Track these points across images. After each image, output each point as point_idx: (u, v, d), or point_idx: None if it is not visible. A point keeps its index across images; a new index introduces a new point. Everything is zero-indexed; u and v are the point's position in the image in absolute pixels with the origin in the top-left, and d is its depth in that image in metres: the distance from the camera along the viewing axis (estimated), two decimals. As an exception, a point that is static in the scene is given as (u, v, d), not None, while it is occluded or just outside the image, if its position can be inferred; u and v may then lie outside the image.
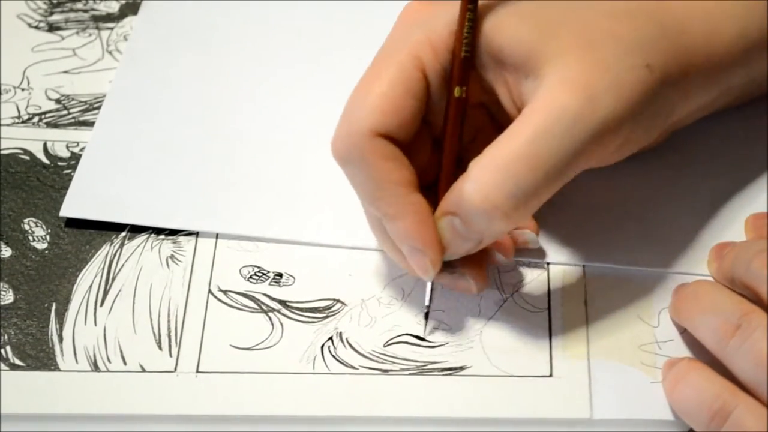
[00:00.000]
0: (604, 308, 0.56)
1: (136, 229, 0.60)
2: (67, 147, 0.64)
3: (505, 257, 0.56)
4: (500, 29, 0.53)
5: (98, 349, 0.56)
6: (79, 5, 0.71)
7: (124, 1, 0.72)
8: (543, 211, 0.53)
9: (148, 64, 0.67)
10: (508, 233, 0.56)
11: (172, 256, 0.59)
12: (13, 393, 0.54)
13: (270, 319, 0.57)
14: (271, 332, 0.56)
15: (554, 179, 0.51)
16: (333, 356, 0.55)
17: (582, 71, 0.51)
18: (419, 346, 0.55)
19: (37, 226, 0.61)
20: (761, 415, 0.49)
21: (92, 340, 0.56)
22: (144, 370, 0.55)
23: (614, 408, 0.53)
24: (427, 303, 0.55)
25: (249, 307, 0.57)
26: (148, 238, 0.60)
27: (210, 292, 0.58)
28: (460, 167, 0.53)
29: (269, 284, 0.58)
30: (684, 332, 0.55)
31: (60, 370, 0.55)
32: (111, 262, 0.59)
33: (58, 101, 0.66)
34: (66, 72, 0.68)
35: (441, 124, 0.54)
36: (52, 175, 0.63)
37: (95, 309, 0.57)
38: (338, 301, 0.57)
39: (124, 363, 0.55)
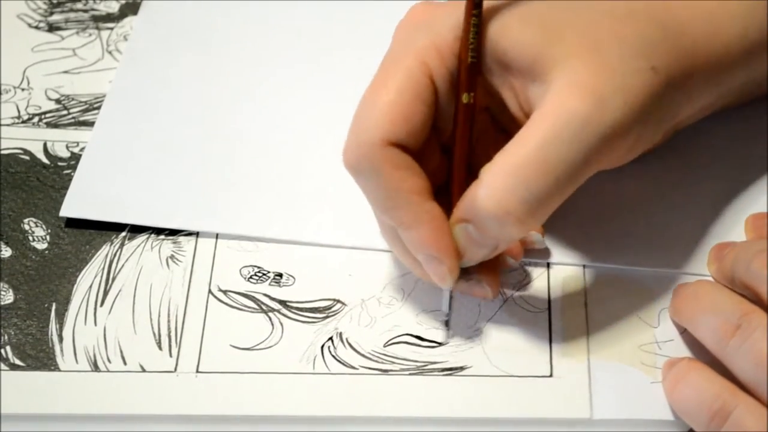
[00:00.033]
0: (604, 308, 0.56)
1: (136, 229, 0.60)
2: (67, 147, 0.64)
3: (515, 260, 0.56)
4: (505, 33, 0.53)
5: (98, 349, 0.56)
6: (79, 5, 0.71)
7: (124, 1, 0.72)
8: (543, 211, 0.53)
9: (148, 64, 0.67)
10: None
11: (172, 256, 0.59)
12: (13, 393, 0.54)
13: (270, 319, 0.57)
14: (271, 332, 0.56)
15: (566, 183, 0.51)
16: (333, 356, 0.55)
17: (589, 75, 0.51)
18: (419, 346, 0.55)
19: (37, 226, 0.61)
20: (761, 415, 0.49)
21: (92, 340, 0.56)
22: (144, 370, 0.55)
23: (614, 408, 0.53)
24: (446, 310, 0.55)
25: (249, 307, 0.57)
26: (148, 238, 0.60)
27: (210, 292, 0.58)
28: (468, 172, 0.53)
29: (269, 284, 0.58)
30: (684, 332, 0.55)
31: (60, 370, 0.55)
32: (111, 262, 0.59)
33: (58, 101, 0.66)
34: (66, 72, 0.68)
35: (449, 130, 0.54)
36: (52, 175, 0.63)
37: (95, 309, 0.57)
38: (338, 301, 0.57)
39: (124, 363, 0.55)
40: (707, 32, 0.55)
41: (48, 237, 0.60)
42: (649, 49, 0.53)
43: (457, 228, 0.52)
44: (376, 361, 0.55)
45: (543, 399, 0.53)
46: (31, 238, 0.60)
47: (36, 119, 0.65)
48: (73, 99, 0.66)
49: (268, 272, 0.58)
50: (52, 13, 0.71)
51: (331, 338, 0.56)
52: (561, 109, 0.51)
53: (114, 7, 0.71)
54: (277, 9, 0.70)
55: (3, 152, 0.64)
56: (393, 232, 0.54)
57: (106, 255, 0.59)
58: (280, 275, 0.58)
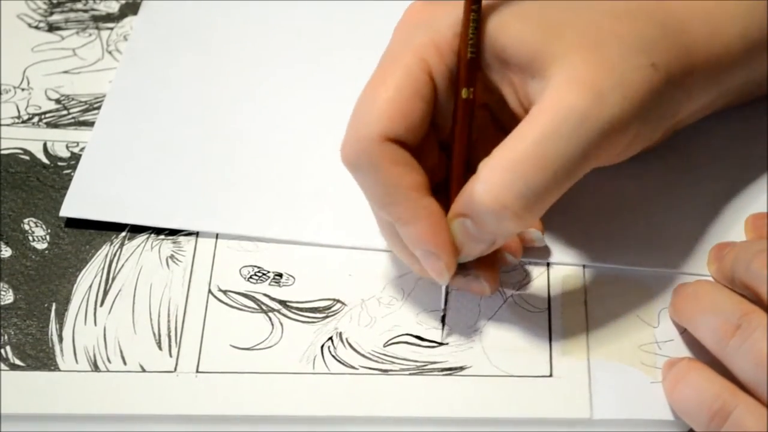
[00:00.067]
0: (604, 308, 0.56)
1: (136, 229, 0.60)
2: (67, 147, 0.64)
3: (514, 257, 0.56)
4: (504, 30, 0.53)
5: (98, 349, 0.56)
6: (79, 5, 0.71)
7: (124, 1, 0.72)
8: (543, 211, 0.53)
9: (148, 64, 0.67)
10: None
11: (172, 256, 0.59)
12: (13, 393, 0.54)
13: (270, 319, 0.57)
14: (271, 332, 0.56)
15: (563, 179, 0.51)
16: (333, 356, 0.55)
17: (588, 71, 0.51)
18: (419, 346, 0.55)
19: (37, 226, 0.61)
20: (761, 415, 0.49)
21: (92, 340, 0.56)
22: (144, 370, 0.55)
23: (614, 408, 0.53)
24: (443, 306, 0.55)
25: (249, 307, 0.57)
26: (148, 238, 0.60)
27: (210, 292, 0.58)
28: (467, 169, 0.53)
29: (269, 284, 0.58)
30: (684, 332, 0.55)
31: (60, 370, 0.55)
32: (111, 262, 0.59)
33: (58, 101, 0.66)
34: (66, 72, 0.68)
35: (447, 126, 0.54)
36: (52, 175, 0.63)
37: (95, 309, 0.57)
38: (338, 301, 0.57)
39: (124, 363, 0.55)
40: (707, 31, 0.55)
41: (48, 237, 0.60)
42: (648, 47, 0.53)
43: (455, 223, 0.52)
44: (376, 361, 0.55)
45: (543, 399, 0.53)
46: (31, 238, 0.60)
47: (36, 119, 0.65)
48: (73, 99, 0.66)
49: (268, 272, 0.58)
50: (52, 13, 0.71)
51: (331, 338, 0.56)
52: (559, 104, 0.51)
53: (114, 7, 0.71)
54: (277, 9, 0.70)
55: (3, 152, 0.64)
56: (391, 228, 0.54)
57: (106, 255, 0.59)
58: (280, 275, 0.58)
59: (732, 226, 0.58)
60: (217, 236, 0.60)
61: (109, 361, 0.55)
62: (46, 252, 0.60)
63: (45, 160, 0.63)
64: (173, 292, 0.58)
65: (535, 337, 0.55)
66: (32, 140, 0.64)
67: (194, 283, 0.58)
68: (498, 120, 0.56)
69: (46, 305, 0.57)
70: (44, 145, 0.64)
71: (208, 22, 0.69)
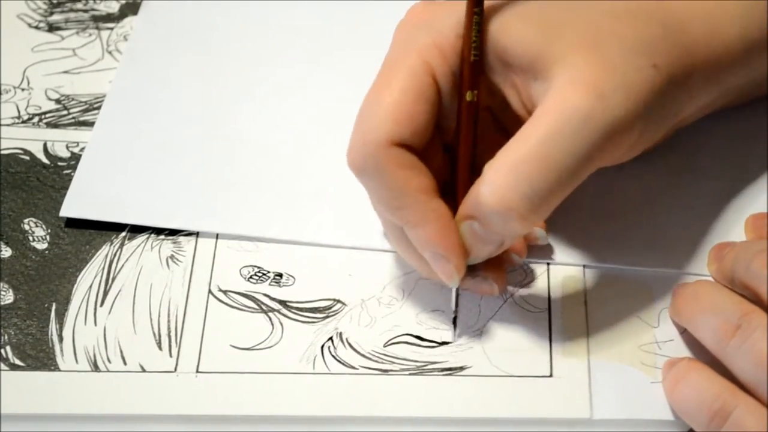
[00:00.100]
0: (604, 308, 0.56)
1: (136, 229, 0.60)
2: (67, 147, 0.64)
3: (519, 257, 0.56)
4: (505, 31, 0.53)
5: (98, 349, 0.56)
6: (79, 5, 0.71)
7: (124, 1, 0.72)
8: (543, 211, 0.53)
9: (148, 64, 0.67)
10: None
11: (172, 256, 0.59)
12: (13, 393, 0.54)
13: (270, 319, 0.57)
14: (271, 332, 0.56)
15: (568, 179, 0.51)
16: (333, 356, 0.55)
17: (590, 71, 0.51)
18: (419, 346, 0.55)
19: (37, 226, 0.61)
20: (761, 415, 0.49)
21: (92, 340, 0.56)
22: (144, 370, 0.55)
23: (614, 408, 0.53)
24: (453, 308, 0.55)
25: (249, 307, 0.57)
26: (148, 238, 0.60)
27: (210, 292, 0.58)
28: (472, 171, 0.53)
29: (269, 284, 0.58)
30: (684, 332, 0.55)
31: (60, 370, 0.55)
32: (111, 262, 0.59)
33: (58, 101, 0.66)
34: (66, 72, 0.68)
35: (451, 129, 0.54)
36: (52, 175, 0.63)
37: (95, 309, 0.57)
38: (338, 301, 0.57)
39: (124, 363, 0.55)
40: (707, 31, 0.55)
41: (48, 237, 0.60)
42: (650, 48, 0.53)
43: (462, 225, 0.52)
44: (376, 361, 0.55)
45: (543, 399, 0.53)
46: (31, 238, 0.60)
47: (36, 119, 0.65)
48: (73, 99, 0.66)
49: (268, 272, 0.58)
50: (52, 13, 0.71)
51: (331, 338, 0.56)
52: (563, 105, 0.51)
53: (114, 7, 0.71)
54: (277, 9, 0.70)
55: (3, 152, 0.64)
56: (399, 231, 0.54)
57: (106, 255, 0.59)
58: (280, 275, 0.58)
59: (732, 226, 0.58)
60: (217, 236, 0.60)
61: (109, 361, 0.55)
62: (46, 252, 0.60)
63: (45, 160, 0.63)
64: (173, 292, 0.58)
65: (535, 337, 0.55)
66: (32, 140, 0.64)
67: (194, 283, 0.58)
68: (499, 123, 0.56)
69: (46, 305, 0.57)
70: (44, 145, 0.64)
71: (208, 22, 0.69)
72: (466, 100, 0.53)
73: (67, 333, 0.56)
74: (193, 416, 0.53)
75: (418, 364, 0.55)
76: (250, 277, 0.58)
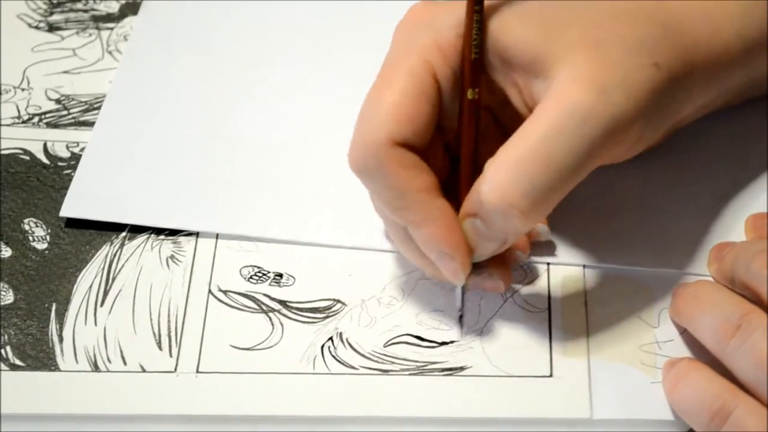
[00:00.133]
0: (604, 308, 0.56)
1: (136, 229, 0.60)
2: (67, 147, 0.64)
3: (523, 253, 0.56)
4: (506, 30, 0.53)
5: (98, 349, 0.56)
6: (79, 5, 0.71)
7: (124, 1, 0.72)
8: (543, 211, 0.53)
9: (148, 64, 0.67)
10: None
11: (172, 256, 0.59)
12: (13, 393, 0.54)
13: (270, 319, 0.57)
14: (271, 332, 0.56)
15: (568, 177, 0.51)
16: (333, 356, 0.55)
17: (591, 69, 0.51)
18: (419, 346, 0.55)
19: (37, 226, 0.61)
20: (761, 416, 0.49)
21: (92, 340, 0.56)
22: (144, 370, 0.55)
23: (614, 408, 0.53)
24: (459, 306, 0.55)
25: (249, 308, 0.57)
26: (148, 238, 0.60)
27: (210, 292, 0.58)
28: (474, 169, 0.53)
29: (269, 284, 0.58)
30: (684, 332, 0.55)
31: (60, 370, 0.55)
32: (111, 262, 0.59)
33: (58, 101, 0.66)
34: (66, 72, 0.68)
35: (453, 128, 0.54)
36: (52, 175, 0.63)
37: (95, 309, 0.57)
38: (338, 301, 0.57)
39: (124, 363, 0.55)
40: (706, 31, 0.55)
41: (48, 237, 0.60)
42: (650, 47, 0.53)
43: (465, 223, 0.52)
44: (376, 361, 0.55)
45: (543, 399, 0.53)
46: (31, 238, 0.60)
47: (36, 119, 0.65)
48: (73, 99, 0.66)
49: (268, 272, 0.58)
50: (52, 13, 0.71)
51: (331, 338, 0.56)
52: (564, 102, 0.51)
53: (114, 7, 0.71)
54: (277, 9, 0.70)
55: (3, 152, 0.64)
56: (402, 231, 0.54)
57: (106, 255, 0.59)
58: (280, 275, 0.58)
59: (732, 226, 0.58)
60: (217, 236, 0.60)
61: (109, 361, 0.55)
62: (46, 252, 0.60)
63: (45, 160, 0.63)
64: (173, 293, 0.58)
65: (535, 337, 0.55)
66: (32, 140, 0.64)
67: (194, 284, 0.58)
68: (500, 122, 0.56)
69: (46, 305, 0.57)
70: (44, 145, 0.64)
71: (208, 22, 0.69)
72: (468, 97, 0.53)
73: (67, 333, 0.56)
74: (193, 416, 0.54)
75: (418, 364, 0.55)
76: (250, 277, 0.58)
